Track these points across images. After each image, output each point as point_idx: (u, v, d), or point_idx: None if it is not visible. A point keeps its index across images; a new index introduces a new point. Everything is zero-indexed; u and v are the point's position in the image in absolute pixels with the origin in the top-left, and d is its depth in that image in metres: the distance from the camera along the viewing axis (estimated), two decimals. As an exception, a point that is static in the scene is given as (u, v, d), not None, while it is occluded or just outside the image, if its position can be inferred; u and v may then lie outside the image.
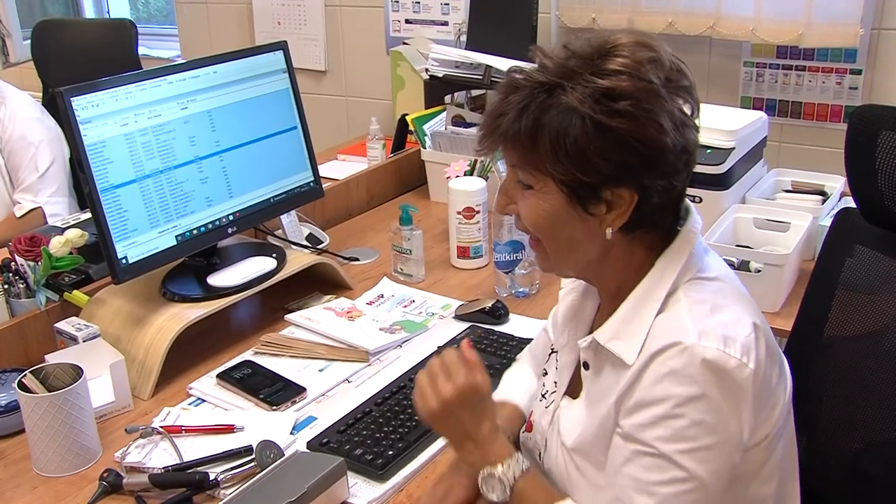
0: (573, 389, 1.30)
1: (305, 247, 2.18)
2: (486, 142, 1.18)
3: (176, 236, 1.80)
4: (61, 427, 1.49)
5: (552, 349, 1.38)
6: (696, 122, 1.17)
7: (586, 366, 1.25)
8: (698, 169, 2.04)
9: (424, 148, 2.64)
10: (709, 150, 2.12)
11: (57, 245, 1.83)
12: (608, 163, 1.09)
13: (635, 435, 1.12)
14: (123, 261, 1.71)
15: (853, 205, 1.45)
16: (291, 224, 2.20)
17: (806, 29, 2.49)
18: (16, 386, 1.51)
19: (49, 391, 1.51)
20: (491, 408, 1.27)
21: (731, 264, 1.97)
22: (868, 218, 1.42)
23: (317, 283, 2.11)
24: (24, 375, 1.53)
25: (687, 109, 1.15)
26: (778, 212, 2.13)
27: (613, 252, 1.19)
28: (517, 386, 1.51)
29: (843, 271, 1.46)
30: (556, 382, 1.33)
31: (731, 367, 1.08)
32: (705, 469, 1.09)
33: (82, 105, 1.65)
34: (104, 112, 1.68)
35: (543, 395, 1.36)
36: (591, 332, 1.24)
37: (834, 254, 1.48)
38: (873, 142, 1.34)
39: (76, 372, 1.54)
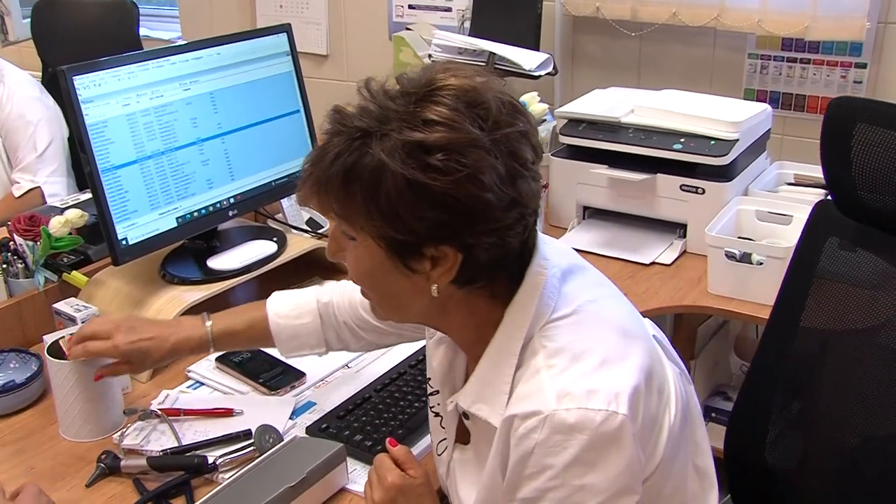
0: (461, 435, 1.26)
1: (306, 231, 2.17)
2: (304, 190, 1.09)
3: (176, 218, 1.79)
4: (92, 393, 1.52)
5: (433, 390, 1.31)
6: (535, 168, 1.07)
7: (466, 416, 1.20)
8: (701, 160, 2.10)
9: (426, 134, 2.62)
10: (713, 142, 2.11)
11: (56, 225, 1.82)
12: (422, 221, 1.01)
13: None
14: (123, 242, 1.70)
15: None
16: (292, 208, 2.19)
17: (812, 21, 2.47)
18: (45, 353, 1.54)
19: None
20: (429, 497, 1.27)
21: (732, 256, 1.97)
22: (843, 210, 1.42)
23: (317, 268, 2.10)
24: (61, 338, 1.54)
25: (526, 154, 1.05)
26: (780, 204, 2.12)
27: (451, 306, 1.12)
28: (289, 302, 1.50)
29: (820, 262, 1.46)
30: (443, 427, 1.29)
31: (598, 423, 1.01)
32: None
33: (84, 84, 1.64)
34: (106, 92, 1.67)
35: (438, 444, 1.32)
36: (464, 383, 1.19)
37: (810, 245, 1.48)
38: (849, 133, 1.34)
39: None
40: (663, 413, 1.12)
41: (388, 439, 1.32)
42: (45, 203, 2.65)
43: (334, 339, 1.51)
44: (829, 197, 1.47)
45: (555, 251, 1.16)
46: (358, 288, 1.37)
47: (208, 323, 1.49)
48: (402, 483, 1.25)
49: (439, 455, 1.29)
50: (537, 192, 1.08)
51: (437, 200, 1.00)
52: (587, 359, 1.06)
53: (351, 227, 1.07)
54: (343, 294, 1.50)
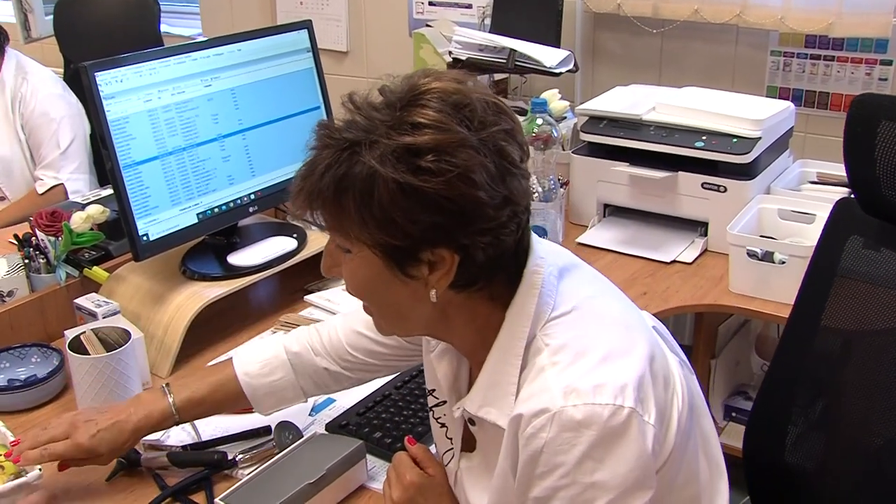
0: (467, 443, 1.25)
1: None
2: (296, 204, 1.09)
3: (197, 214, 1.79)
4: (114, 387, 1.53)
5: (437, 402, 1.30)
6: (523, 166, 1.07)
7: (472, 422, 1.20)
8: (723, 158, 2.08)
9: (446, 131, 2.61)
10: (735, 140, 2.09)
11: (78, 221, 1.83)
12: (416, 225, 1.01)
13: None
14: (144, 238, 1.71)
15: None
16: (312, 205, 2.19)
17: (836, 18, 2.45)
18: (66, 348, 1.55)
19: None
20: (448, 496, 1.26)
21: (754, 255, 1.96)
22: (866, 209, 1.41)
23: (336, 265, 2.09)
24: (83, 334, 1.56)
25: (513, 154, 1.05)
26: (803, 203, 2.10)
27: (451, 311, 1.11)
28: (256, 360, 1.44)
29: (841, 261, 1.44)
30: (449, 437, 1.28)
31: (606, 417, 1.01)
32: None
33: (106, 80, 1.64)
34: (128, 88, 1.67)
35: (444, 454, 1.31)
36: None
37: (832, 244, 1.47)
38: (873, 131, 1.32)
39: (125, 335, 1.58)
40: (671, 403, 1.12)
41: (406, 438, 1.32)
42: (68, 200, 2.67)
43: (311, 386, 1.45)
44: (851, 195, 1.46)
45: (549, 250, 1.15)
46: (341, 328, 1.41)
47: (169, 397, 1.41)
48: (420, 481, 1.24)
49: (446, 465, 1.28)
50: (527, 189, 1.08)
51: (430, 202, 1.00)
52: (591, 354, 1.06)
53: (346, 239, 1.07)
54: (320, 338, 1.45)
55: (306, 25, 2.01)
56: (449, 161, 0.99)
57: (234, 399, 1.43)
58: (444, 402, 1.25)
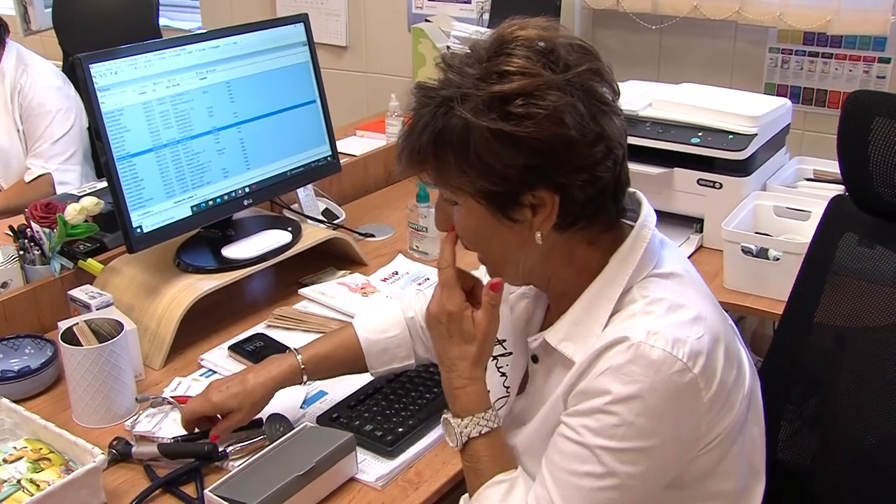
0: (522, 386, 1.28)
1: (321, 221, 2.17)
2: (401, 163, 1.14)
3: (191, 207, 1.80)
4: (106, 378, 1.53)
5: (504, 352, 1.32)
6: (616, 104, 1.11)
7: (535, 359, 1.23)
8: (719, 155, 2.08)
9: (443, 126, 2.61)
10: (731, 136, 2.09)
11: (72, 212, 1.83)
12: (514, 168, 1.05)
13: (568, 420, 1.10)
14: (138, 230, 1.71)
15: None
16: (308, 198, 2.19)
17: (835, 15, 2.44)
18: (59, 339, 1.56)
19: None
20: (484, 351, 1.21)
21: (748, 252, 1.96)
22: (859, 205, 1.41)
23: (331, 258, 2.10)
24: (76, 325, 1.58)
25: (603, 93, 1.09)
26: (799, 200, 2.10)
27: (553, 254, 1.15)
28: (375, 318, 1.51)
29: (835, 258, 1.45)
30: (506, 387, 1.30)
31: (674, 371, 1.04)
32: (628, 470, 1.07)
33: (101, 72, 1.64)
34: (123, 80, 1.67)
35: (496, 402, 1.31)
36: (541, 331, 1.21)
37: (826, 241, 1.47)
38: (867, 128, 1.33)
39: (118, 326, 1.59)
40: (737, 388, 1.14)
41: (490, 284, 1.21)
42: (55, 190, 2.67)
43: (422, 350, 1.51)
44: (845, 192, 1.45)
45: (651, 218, 1.19)
46: None
47: (298, 356, 1.48)
48: (459, 313, 1.20)
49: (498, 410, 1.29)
50: (621, 127, 1.11)
51: (523, 146, 1.04)
52: (682, 312, 1.09)
53: (451, 192, 1.12)
54: (422, 307, 1.49)
55: (303, 19, 2.01)
56: (537, 104, 1.03)
57: (353, 356, 1.49)
58: (510, 353, 1.29)
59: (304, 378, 1.48)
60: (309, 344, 1.52)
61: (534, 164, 1.05)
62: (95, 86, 1.63)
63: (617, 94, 1.12)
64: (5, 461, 1.38)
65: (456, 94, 1.05)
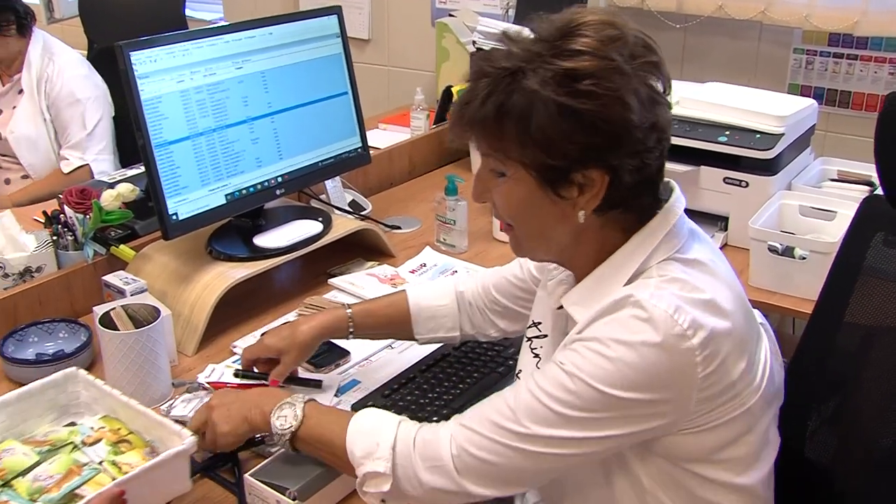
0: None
1: (349, 212, 2.19)
2: (455, 130, 1.17)
3: (226, 195, 1.81)
4: (143, 363, 1.55)
5: (539, 334, 1.35)
6: (668, 98, 1.15)
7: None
8: (746, 153, 2.09)
9: (469, 120, 2.63)
10: (758, 136, 2.10)
11: (108, 199, 1.85)
12: (574, 145, 1.08)
13: (556, 356, 1.13)
14: (174, 217, 1.72)
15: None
16: (336, 189, 2.21)
17: (862, 17, 2.46)
18: (97, 322, 1.57)
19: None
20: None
21: (774, 250, 1.97)
22: (895, 205, 1.41)
23: (359, 250, 2.11)
24: (112, 310, 1.59)
25: (658, 86, 1.13)
26: (824, 200, 2.11)
27: (586, 236, 1.18)
28: (427, 287, 1.60)
29: (867, 258, 1.44)
30: (539, 368, 1.31)
31: (672, 333, 1.06)
32: (597, 414, 1.08)
33: (141, 60, 1.66)
34: (161, 68, 1.69)
35: (518, 376, 1.36)
36: None
37: (858, 240, 1.46)
38: None
39: (154, 312, 1.60)
40: (741, 388, 1.14)
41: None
42: (94, 179, 2.69)
43: (468, 324, 1.57)
44: (873, 192, 1.46)
45: (679, 203, 1.21)
46: (490, 274, 1.52)
47: (347, 309, 1.56)
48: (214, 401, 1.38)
49: None
50: (670, 119, 1.15)
51: (586, 123, 1.07)
52: (696, 293, 1.11)
53: (502, 162, 1.14)
54: (477, 282, 1.57)
55: (336, 11, 2.03)
56: (605, 85, 1.06)
57: (401, 319, 1.56)
58: (546, 335, 1.31)
59: (350, 329, 1.55)
60: (361, 301, 1.62)
61: (593, 142, 1.08)
62: (136, 73, 1.65)
63: (669, 88, 1.15)
64: (84, 443, 1.33)
65: (524, 66, 1.08)
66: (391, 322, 1.57)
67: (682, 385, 1.09)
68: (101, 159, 2.77)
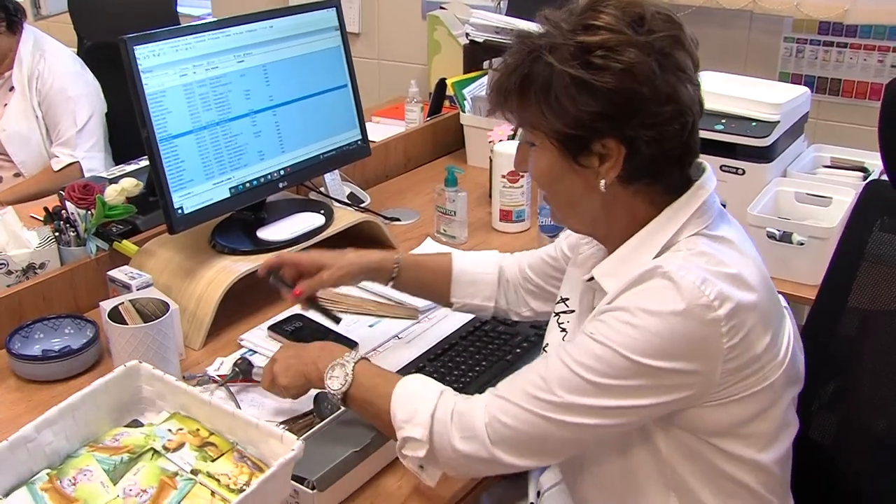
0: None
1: (349, 205, 2.19)
2: (490, 99, 1.25)
3: (229, 189, 1.81)
4: (153, 357, 1.54)
5: (567, 309, 1.40)
6: (691, 73, 1.18)
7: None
8: (743, 141, 2.11)
9: (464, 112, 2.64)
10: (754, 123, 2.12)
11: (112, 193, 1.85)
12: (587, 114, 1.14)
13: (587, 326, 1.16)
14: (179, 211, 1.72)
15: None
16: (334, 182, 2.21)
17: (852, 5, 2.48)
18: (106, 317, 1.57)
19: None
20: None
21: (772, 236, 1.99)
22: None
23: (359, 242, 2.09)
24: (121, 304, 1.60)
25: (680, 60, 1.16)
26: (820, 186, 2.14)
27: (615, 206, 1.22)
28: (472, 254, 1.67)
29: (870, 243, 1.47)
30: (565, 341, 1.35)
31: (699, 303, 1.09)
32: (625, 382, 1.11)
33: (144, 54, 1.66)
34: (165, 62, 1.69)
35: (545, 350, 1.41)
36: None
37: (860, 226, 1.49)
38: None
39: (162, 305, 1.61)
40: (769, 357, 1.17)
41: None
42: (83, 178, 2.68)
43: (503, 298, 1.62)
44: (866, 179, 1.48)
45: (711, 181, 1.25)
46: (528, 253, 1.62)
47: (397, 255, 1.63)
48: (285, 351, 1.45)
49: None
50: (695, 96, 1.18)
51: (599, 94, 1.13)
52: (722, 268, 1.14)
53: (530, 133, 1.22)
54: (514, 260, 1.63)
55: (335, 4, 2.03)
56: (616, 58, 1.12)
57: (443, 279, 1.62)
58: (573, 311, 1.35)
59: (394, 274, 1.60)
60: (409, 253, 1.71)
61: (606, 113, 1.13)
62: (140, 67, 1.64)
63: (695, 64, 1.19)
64: (166, 448, 1.22)
65: (547, 43, 1.15)
66: (434, 279, 1.63)
67: (708, 355, 1.11)
68: (90, 156, 2.76)
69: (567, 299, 1.39)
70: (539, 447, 1.18)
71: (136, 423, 1.31)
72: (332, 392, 1.32)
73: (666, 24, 1.16)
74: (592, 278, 1.26)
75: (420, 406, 1.23)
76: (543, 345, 1.43)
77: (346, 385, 1.30)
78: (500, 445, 1.17)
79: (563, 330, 1.37)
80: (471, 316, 1.78)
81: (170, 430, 1.25)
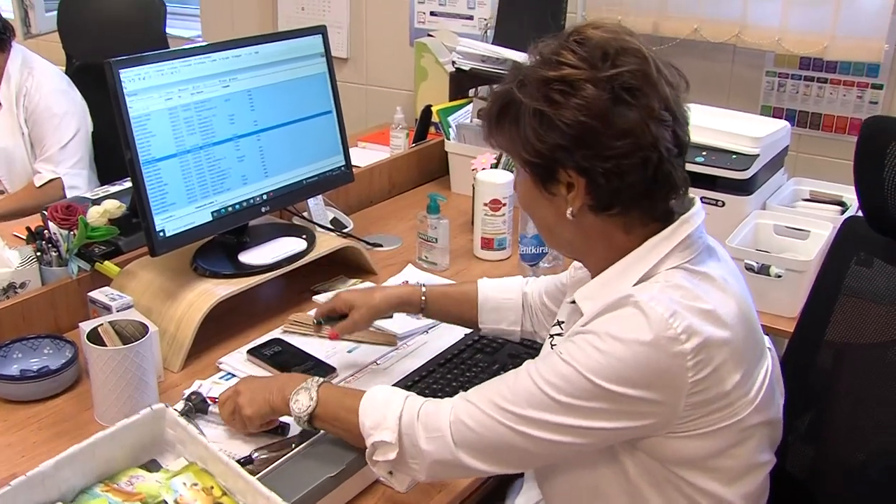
0: None
1: (331, 230, 2.20)
2: (483, 128, 1.31)
3: (212, 212, 1.82)
4: (131, 379, 1.55)
5: (561, 332, 1.41)
6: (656, 110, 1.17)
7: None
8: (723, 173, 2.13)
9: (449, 139, 2.66)
10: (734, 156, 2.15)
11: (95, 215, 1.85)
12: (547, 146, 1.18)
13: (558, 346, 1.19)
14: (161, 234, 1.73)
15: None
16: (318, 207, 2.23)
17: (831, 42, 2.52)
18: (85, 338, 1.57)
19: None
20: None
21: (751, 268, 2.01)
22: (874, 227, 1.46)
23: (341, 267, 2.13)
24: (100, 326, 1.60)
25: (648, 96, 1.16)
26: (798, 219, 2.16)
27: (590, 233, 1.25)
28: (497, 281, 1.72)
29: (847, 277, 1.49)
30: None
31: (665, 335, 1.11)
32: (588, 404, 1.14)
33: (130, 77, 1.67)
34: (150, 86, 1.70)
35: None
36: None
37: (838, 260, 1.51)
38: (882, 152, 1.37)
39: (141, 328, 1.61)
40: (735, 399, 1.18)
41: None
42: (65, 194, 2.68)
43: (528, 323, 1.67)
44: (854, 213, 1.50)
45: (697, 216, 1.27)
46: (548, 278, 1.66)
47: (423, 286, 1.71)
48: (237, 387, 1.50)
49: None
50: (656, 133, 1.17)
51: (555, 127, 1.17)
52: (698, 302, 1.16)
53: (511, 159, 1.29)
54: (536, 286, 1.68)
55: (321, 31, 2.05)
56: (570, 92, 1.16)
57: (469, 306, 1.68)
58: (563, 333, 1.37)
59: (422, 306, 1.69)
60: (435, 284, 1.80)
61: (562, 144, 1.17)
62: (124, 90, 1.66)
63: (668, 102, 1.19)
64: (177, 503, 1.25)
65: (523, 75, 1.21)
66: (460, 309, 1.70)
67: (671, 387, 1.13)
68: (73, 174, 2.76)
69: (562, 322, 1.41)
70: (500, 454, 1.21)
71: (154, 464, 1.34)
72: (297, 415, 1.36)
73: (633, 59, 1.18)
74: (574, 301, 1.28)
75: (387, 411, 1.27)
76: None
77: (311, 406, 1.35)
78: (463, 447, 1.21)
79: None
80: (450, 343, 1.79)
81: (184, 484, 1.27)
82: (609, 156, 1.17)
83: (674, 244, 1.22)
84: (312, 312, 1.93)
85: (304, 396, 1.37)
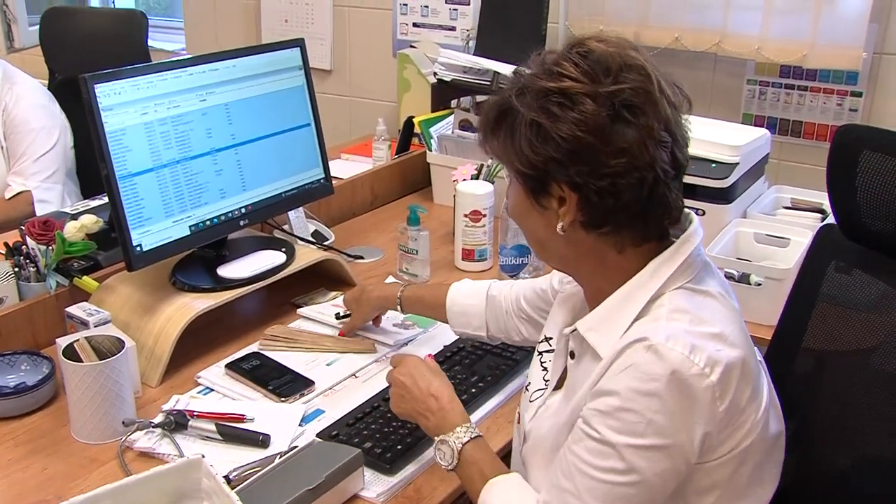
0: (560, 381, 1.35)
1: (312, 243, 2.20)
2: (480, 137, 1.29)
3: (189, 226, 1.82)
4: (107, 395, 1.54)
5: (549, 348, 1.41)
6: (655, 129, 1.14)
7: (572, 355, 1.30)
8: (703, 182, 2.13)
9: (430, 151, 2.66)
10: (714, 165, 2.15)
11: (72, 230, 1.85)
12: (538, 156, 1.16)
13: (589, 420, 1.16)
14: (138, 248, 1.73)
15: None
16: (299, 219, 2.22)
17: (810, 50, 2.53)
18: (61, 354, 1.56)
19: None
20: (445, 381, 1.44)
21: (731, 277, 2.01)
22: (847, 234, 1.46)
23: (322, 280, 2.13)
24: (76, 341, 1.59)
25: (648, 115, 1.13)
26: (778, 227, 2.16)
27: (582, 249, 1.23)
28: (467, 285, 1.74)
29: (824, 284, 1.49)
30: (546, 380, 1.37)
31: (691, 374, 1.10)
32: (649, 468, 1.12)
33: (105, 92, 1.67)
34: (126, 100, 1.70)
35: (527, 388, 1.42)
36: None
37: (814, 268, 1.52)
38: (854, 160, 1.38)
39: (118, 343, 1.61)
40: (750, 413, 1.18)
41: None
42: (34, 208, 2.66)
43: (494, 325, 1.69)
44: (832, 221, 1.51)
45: (697, 235, 1.26)
46: (524, 283, 1.66)
47: (401, 288, 1.82)
48: (426, 361, 1.50)
49: (531, 402, 1.38)
50: (655, 154, 1.15)
51: (551, 140, 1.15)
52: (705, 326, 1.15)
53: (506, 168, 1.26)
54: (511, 289, 1.68)
55: (299, 44, 2.05)
56: (568, 106, 1.14)
57: (441, 309, 1.74)
58: (554, 350, 1.38)
59: (398, 305, 1.81)
60: (415, 284, 1.94)
61: (556, 157, 1.15)
62: (100, 105, 1.65)
63: (669, 122, 1.16)
64: None
65: (522, 85, 1.19)
66: (433, 310, 1.77)
67: (709, 419, 1.13)
68: (44, 188, 2.73)
69: (550, 338, 1.40)
70: None
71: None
72: (439, 462, 1.36)
73: (636, 76, 1.14)
74: (575, 330, 1.27)
75: None
76: (526, 384, 1.43)
77: (452, 464, 1.33)
78: None
79: (545, 369, 1.39)
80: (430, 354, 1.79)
81: None
82: (604, 173, 1.14)
83: (675, 266, 1.20)
84: (293, 325, 1.94)
85: (447, 451, 1.34)
